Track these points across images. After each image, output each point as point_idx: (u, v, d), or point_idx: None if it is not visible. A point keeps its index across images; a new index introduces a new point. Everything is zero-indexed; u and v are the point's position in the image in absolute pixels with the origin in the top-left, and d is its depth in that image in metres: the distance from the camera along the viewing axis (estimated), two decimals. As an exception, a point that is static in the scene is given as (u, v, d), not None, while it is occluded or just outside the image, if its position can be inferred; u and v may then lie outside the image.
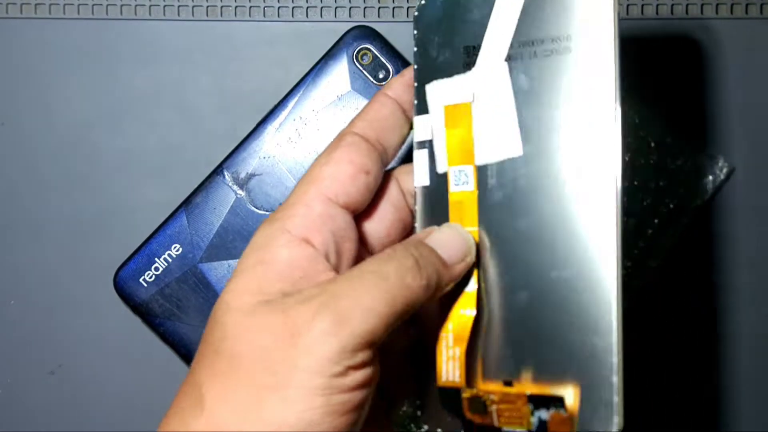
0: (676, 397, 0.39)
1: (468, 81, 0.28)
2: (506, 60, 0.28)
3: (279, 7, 0.39)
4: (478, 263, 0.28)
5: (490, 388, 0.27)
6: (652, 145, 0.38)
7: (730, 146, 0.38)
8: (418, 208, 0.29)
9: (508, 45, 0.28)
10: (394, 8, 0.38)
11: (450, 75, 0.29)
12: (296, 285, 0.25)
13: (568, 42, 0.27)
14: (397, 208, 0.29)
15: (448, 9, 0.29)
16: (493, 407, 0.27)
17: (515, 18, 0.28)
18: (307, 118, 0.37)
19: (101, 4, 0.39)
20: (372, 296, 0.23)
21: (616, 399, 0.26)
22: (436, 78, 0.29)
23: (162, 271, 0.37)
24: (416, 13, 0.30)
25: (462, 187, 0.28)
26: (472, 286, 0.28)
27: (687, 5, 0.38)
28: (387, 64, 0.37)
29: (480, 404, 0.27)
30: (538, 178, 0.27)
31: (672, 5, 0.38)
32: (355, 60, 0.37)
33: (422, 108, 0.29)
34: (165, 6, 0.39)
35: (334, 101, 0.37)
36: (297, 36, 0.38)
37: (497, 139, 0.28)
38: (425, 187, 0.29)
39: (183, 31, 0.39)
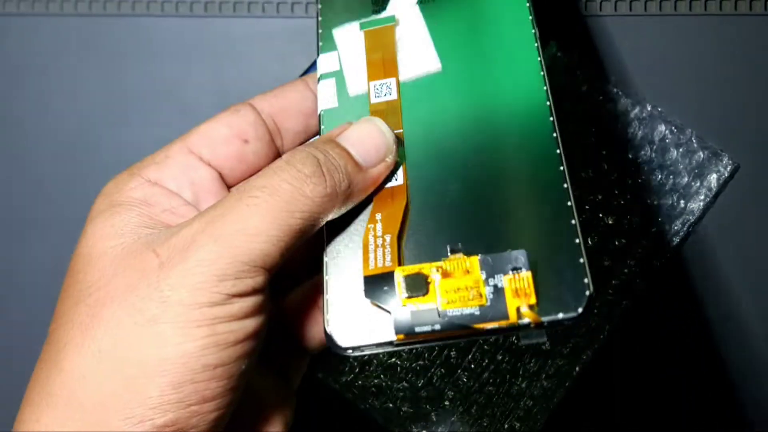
0: (671, 414, 0.38)
1: (385, 10, 0.29)
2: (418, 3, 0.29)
3: (278, 3, 0.38)
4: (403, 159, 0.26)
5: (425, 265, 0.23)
6: (653, 141, 0.38)
7: (734, 143, 0.38)
8: (322, 130, 0.27)
9: None
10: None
11: (355, 14, 0.29)
12: (157, 219, 0.23)
13: None
14: None
15: None
16: (437, 282, 0.23)
17: None
18: None
19: (99, 1, 0.38)
20: (260, 217, 0.21)
21: (582, 260, 0.23)
22: (343, 23, 0.29)
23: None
24: None
25: (384, 98, 0.27)
26: (400, 180, 0.25)
27: (690, 2, 0.38)
28: None
29: (421, 281, 0.23)
30: (460, 86, 0.27)
31: (675, 3, 0.38)
32: None
33: (329, 47, 0.29)
34: (163, 2, 0.38)
35: None
36: (296, 32, 0.38)
37: (417, 57, 0.28)
38: (332, 110, 0.28)
39: (181, 28, 0.38)
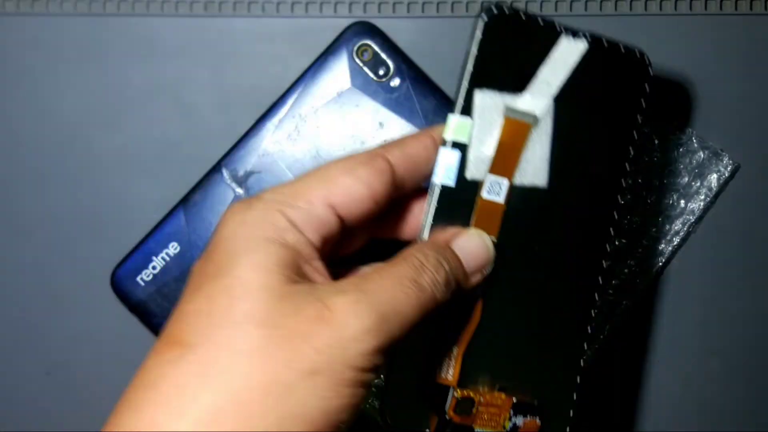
0: (671, 414, 0.38)
1: (527, 103, 0.31)
2: (554, 100, 0.31)
3: (278, 3, 0.38)
4: (492, 272, 0.29)
5: (477, 391, 0.30)
6: (656, 142, 0.37)
7: (735, 143, 0.38)
8: (433, 206, 0.29)
9: (558, 87, 0.31)
10: (394, 3, 0.38)
11: (500, 90, 0.31)
12: (301, 269, 0.24)
13: (598, 110, 0.31)
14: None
15: (519, 30, 0.31)
16: (480, 408, 0.30)
17: (569, 68, 0.31)
18: (306, 115, 0.36)
19: (99, 1, 0.38)
20: (409, 304, 0.23)
21: (572, 413, 0.30)
22: (487, 87, 0.30)
23: (160, 270, 0.36)
24: (486, 19, 0.30)
25: (493, 197, 0.30)
26: (479, 294, 0.29)
27: (690, 2, 0.38)
28: (388, 60, 0.36)
29: (469, 405, 0.30)
30: (554, 210, 0.31)
31: (675, 3, 0.38)
32: (355, 56, 0.36)
33: (465, 110, 0.30)
34: (163, 2, 0.38)
35: (334, 98, 0.36)
36: (296, 32, 0.38)
37: (532, 167, 0.31)
38: (447, 188, 0.30)
39: (181, 27, 0.38)
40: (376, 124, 0.37)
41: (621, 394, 0.38)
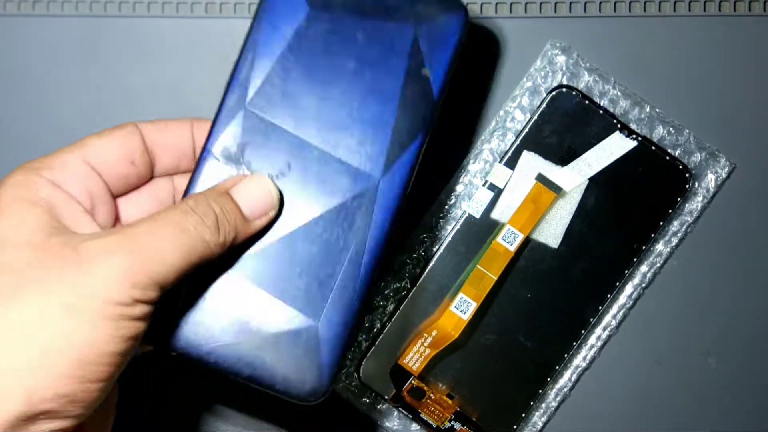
0: (670, 414, 0.39)
1: (561, 176, 0.36)
2: (590, 180, 0.36)
3: (279, 4, 0.38)
4: (485, 303, 0.36)
5: (433, 388, 0.36)
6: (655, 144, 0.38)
7: (732, 144, 0.38)
8: (456, 229, 0.36)
9: (597, 171, 0.36)
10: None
11: (545, 156, 0.36)
12: (61, 222, 0.27)
13: (627, 203, 0.36)
14: (162, 204, 0.31)
15: (580, 112, 0.36)
16: (428, 401, 0.36)
17: (612, 159, 0.36)
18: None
19: (99, 1, 0.38)
20: (170, 248, 0.25)
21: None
22: (535, 150, 0.36)
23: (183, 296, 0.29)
24: (554, 94, 0.36)
25: (506, 244, 0.36)
26: (468, 315, 0.36)
27: (689, 3, 0.38)
28: None
29: (420, 394, 0.36)
30: (556, 270, 0.36)
31: (675, 3, 0.38)
32: None
33: (510, 163, 0.36)
34: (163, 3, 0.38)
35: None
36: (297, 33, 0.38)
37: (550, 229, 0.36)
38: (472, 217, 0.36)
39: (182, 29, 0.38)
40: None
41: (621, 394, 0.39)
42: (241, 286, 0.29)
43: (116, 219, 0.31)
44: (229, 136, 0.30)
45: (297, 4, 0.30)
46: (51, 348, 0.24)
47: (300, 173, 0.30)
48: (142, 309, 0.25)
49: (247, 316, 0.29)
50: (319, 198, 0.30)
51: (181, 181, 0.31)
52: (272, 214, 0.29)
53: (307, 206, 0.30)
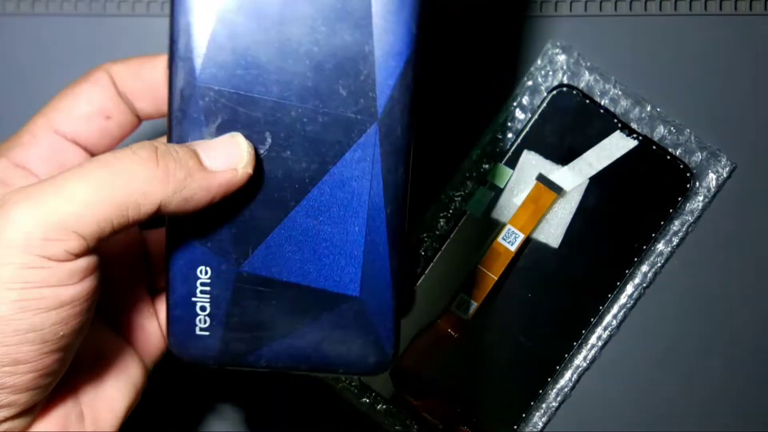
0: (670, 414, 0.39)
1: (562, 175, 0.36)
2: (590, 179, 0.36)
3: (278, 4, 0.38)
4: (485, 303, 0.36)
5: (433, 389, 0.37)
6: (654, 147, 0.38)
7: (732, 143, 0.38)
8: (457, 228, 0.36)
9: (598, 170, 0.36)
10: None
11: (546, 156, 0.36)
12: None
13: (627, 202, 0.36)
14: None
15: (580, 112, 0.36)
16: (428, 401, 0.37)
17: (613, 158, 0.36)
18: None
19: (99, 1, 0.38)
20: (82, 184, 0.20)
21: None
22: (535, 150, 0.36)
23: (210, 306, 0.26)
24: (555, 94, 0.36)
25: (507, 244, 0.36)
26: (469, 314, 0.36)
27: (690, 2, 0.38)
28: None
29: (420, 394, 0.37)
30: (557, 270, 0.36)
31: (675, 3, 0.38)
32: None
33: (511, 162, 0.36)
34: (163, 2, 0.38)
35: None
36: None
37: (550, 230, 0.36)
38: (473, 216, 0.36)
39: (182, 28, 0.38)
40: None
41: (621, 394, 0.38)
42: (262, 284, 0.26)
43: None
44: (188, 127, 0.24)
45: None
46: None
47: (283, 141, 0.25)
48: (59, 270, 0.20)
49: (282, 312, 0.26)
50: (314, 163, 0.25)
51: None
52: (243, 170, 0.23)
53: (302, 176, 0.25)
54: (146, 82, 0.27)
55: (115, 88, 0.26)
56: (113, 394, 0.26)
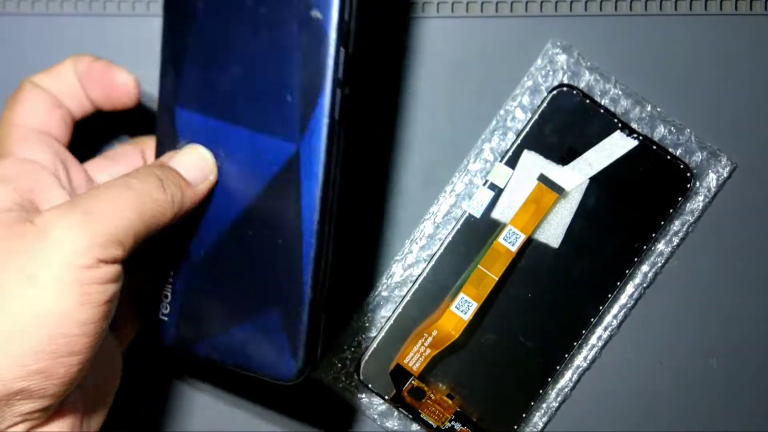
0: (670, 415, 0.39)
1: (562, 175, 0.36)
2: (591, 179, 0.36)
3: (279, 3, 0.38)
4: (485, 303, 0.36)
5: (433, 389, 0.36)
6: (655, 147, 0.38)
7: (733, 143, 0.38)
8: (457, 229, 0.36)
9: (598, 170, 0.36)
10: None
11: (546, 156, 0.36)
12: (30, 196, 0.27)
13: (627, 202, 0.36)
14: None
15: (581, 112, 0.36)
16: (428, 401, 0.36)
17: (613, 158, 0.36)
18: None
19: (99, 1, 0.38)
20: (121, 202, 0.25)
21: None
22: (535, 150, 0.36)
23: (170, 295, 0.31)
24: (555, 93, 0.36)
25: (507, 244, 0.35)
26: (469, 315, 0.36)
27: (690, 2, 0.38)
28: None
29: (420, 394, 0.36)
30: (557, 270, 0.36)
31: (675, 3, 0.38)
32: None
33: (511, 162, 0.36)
34: (163, 2, 0.38)
35: None
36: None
37: (550, 229, 0.36)
38: (473, 216, 0.36)
39: (182, 28, 0.38)
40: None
41: (622, 394, 0.38)
42: (206, 285, 0.30)
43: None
44: (172, 146, 0.30)
45: None
46: (17, 324, 0.23)
47: (229, 158, 0.29)
48: (107, 270, 0.24)
49: (219, 312, 0.30)
50: (249, 181, 0.29)
51: (152, 154, 0.32)
52: (212, 178, 0.29)
53: (239, 194, 0.29)
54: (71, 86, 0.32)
55: (44, 91, 0.31)
56: (104, 375, 0.29)
